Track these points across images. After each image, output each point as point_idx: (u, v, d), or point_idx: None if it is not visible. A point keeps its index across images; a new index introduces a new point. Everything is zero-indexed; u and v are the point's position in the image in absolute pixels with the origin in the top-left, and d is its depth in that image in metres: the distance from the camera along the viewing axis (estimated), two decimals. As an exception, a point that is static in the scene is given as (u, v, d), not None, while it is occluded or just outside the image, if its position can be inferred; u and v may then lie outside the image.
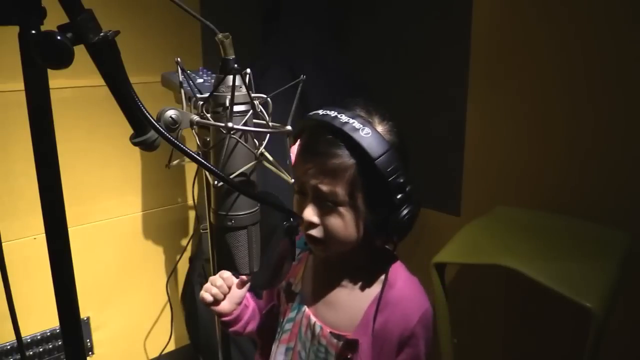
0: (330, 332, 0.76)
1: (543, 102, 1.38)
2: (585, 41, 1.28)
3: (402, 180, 0.67)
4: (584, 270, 1.06)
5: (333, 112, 0.71)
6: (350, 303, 0.76)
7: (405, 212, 0.69)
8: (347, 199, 0.70)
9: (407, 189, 0.68)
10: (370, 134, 0.67)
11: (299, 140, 0.75)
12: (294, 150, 0.75)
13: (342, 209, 0.71)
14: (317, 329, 0.77)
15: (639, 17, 1.19)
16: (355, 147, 0.67)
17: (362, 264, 0.78)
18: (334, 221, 0.71)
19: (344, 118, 0.69)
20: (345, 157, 0.69)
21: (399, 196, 0.68)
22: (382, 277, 0.75)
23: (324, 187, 0.70)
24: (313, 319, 0.79)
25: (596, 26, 1.26)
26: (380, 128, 0.70)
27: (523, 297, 1.46)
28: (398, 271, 0.76)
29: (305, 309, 0.80)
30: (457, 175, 1.59)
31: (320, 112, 0.72)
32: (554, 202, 1.37)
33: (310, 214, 0.72)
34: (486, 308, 1.56)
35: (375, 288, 0.75)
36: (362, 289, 0.77)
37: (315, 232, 0.73)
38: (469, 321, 1.44)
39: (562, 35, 1.33)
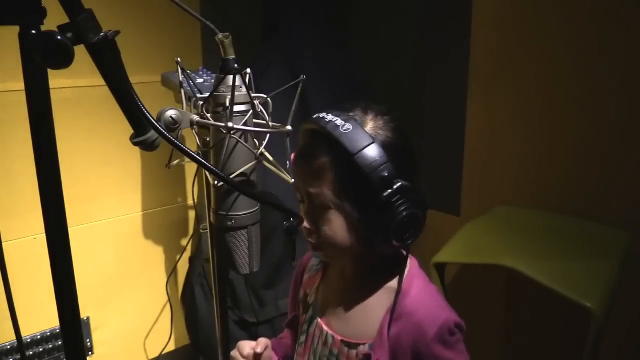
0: (342, 340, 0.74)
1: (543, 103, 1.39)
2: (585, 41, 1.28)
3: (386, 174, 0.63)
4: (584, 270, 1.06)
5: (324, 114, 0.69)
6: (363, 312, 0.74)
7: (398, 210, 0.63)
8: (336, 200, 0.67)
9: (398, 185, 0.63)
10: (350, 129, 0.64)
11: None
12: (292, 156, 0.74)
13: (332, 212, 0.68)
14: (330, 339, 0.75)
15: None
16: (334, 144, 0.65)
17: (374, 271, 0.74)
18: (326, 226, 0.69)
19: (329, 117, 0.67)
20: (326, 156, 0.66)
21: (385, 193, 0.63)
22: (396, 285, 0.71)
23: (313, 190, 0.68)
24: (325, 329, 0.77)
25: (596, 26, 1.26)
26: (371, 124, 0.67)
27: (523, 296, 1.47)
28: (413, 279, 0.72)
29: (318, 320, 0.78)
30: (457, 176, 1.59)
31: (314, 116, 0.70)
32: (553, 202, 1.37)
33: (306, 220, 0.70)
34: (486, 307, 1.57)
35: (389, 296, 0.72)
36: (374, 298, 0.73)
37: (313, 240, 0.71)
38: (469, 321, 1.44)
39: (562, 35, 1.33)
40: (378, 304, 0.72)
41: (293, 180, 0.72)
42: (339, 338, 0.74)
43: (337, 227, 0.68)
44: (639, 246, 1.19)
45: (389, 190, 0.64)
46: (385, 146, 0.65)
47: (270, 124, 0.70)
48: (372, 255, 0.72)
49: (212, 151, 0.70)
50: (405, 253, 0.73)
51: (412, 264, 0.74)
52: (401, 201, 0.64)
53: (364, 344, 0.72)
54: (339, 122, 0.66)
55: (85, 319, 1.62)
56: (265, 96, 0.71)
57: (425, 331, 0.68)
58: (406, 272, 0.73)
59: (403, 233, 0.66)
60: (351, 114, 0.68)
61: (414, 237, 0.68)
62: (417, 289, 0.71)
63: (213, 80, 1.18)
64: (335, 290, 0.78)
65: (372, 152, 0.63)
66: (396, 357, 0.70)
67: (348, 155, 0.64)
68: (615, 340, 1.23)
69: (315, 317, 0.79)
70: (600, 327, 0.97)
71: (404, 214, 0.64)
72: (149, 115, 0.51)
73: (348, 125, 0.65)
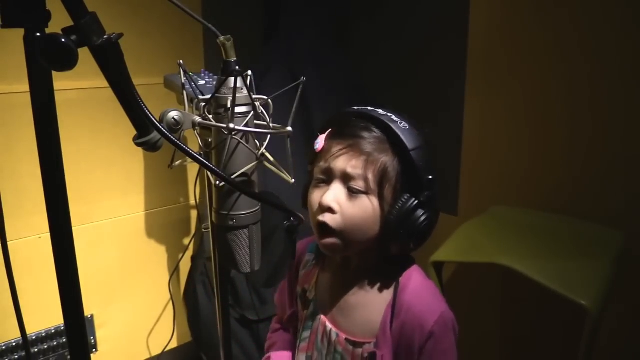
0: (346, 339, 0.74)
1: (540, 103, 1.39)
2: (583, 41, 1.29)
3: (431, 178, 0.67)
4: (579, 268, 1.07)
5: (372, 108, 0.71)
6: (365, 309, 0.74)
7: (427, 214, 0.67)
8: (376, 187, 0.68)
9: (435, 189, 0.67)
10: (408, 127, 0.68)
11: (329, 129, 0.73)
12: (322, 137, 0.73)
13: (368, 197, 0.68)
14: (333, 336, 0.76)
15: (637, 17, 1.19)
16: (392, 136, 0.67)
17: (377, 269, 0.75)
18: (357, 210, 0.68)
19: (381, 111, 0.70)
20: (381, 144, 0.68)
21: (426, 193, 0.66)
22: (395, 282, 0.73)
23: (355, 171, 0.67)
24: (329, 325, 0.77)
25: (594, 26, 1.26)
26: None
27: (519, 295, 1.47)
28: (412, 275, 0.73)
29: (321, 316, 0.79)
30: (454, 176, 1.60)
31: (357, 107, 0.72)
32: (549, 202, 1.37)
33: (331, 198, 0.68)
34: (483, 306, 1.57)
35: (389, 293, 0.73)
36: (376, 294, 0.74)
37: (331, 220, 0.69)
38: (466, 319, 1.45)
39: (559, 35, 1.33)
40: (379, 300, 0.73)
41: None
42: (344, 336, 0.75)
43: (368, 212, 0.68)
44: (632, 245, 1.19)
45: (429, 192, 0.67)
46: (429, 150, 0.69)
47: (271, 125, 0.70)
48: (379, 252, 0.73)
49: (213, 152, 0.71)
50: (408, 255, 0.75)
51: (410, 261, 0.76)
52: (433, 206, 0.68)
53: (369, 343, 0.72)
54: (395, 117, 0.69)
55: (89, 316, 1.63)
56: (266, 98, 0.72)
57: (424, 323, 0.69)
58: (406, 270, 0.74)
59: (423, 235, 0.69)
60: (397, 115, 0.71)
61: (425, 242, 0.71)
62: (415, 284, 0.72)
63: (214, 82, 1.19)
64: (336, 285, 0.79)
65: (425, 152, 0.68)
66: (400, 351, 0.71)
67: (403, 150, 0.66)
68: (610, 338, 1.23)
69: (317, 312, 0.79)
70: (594, 324, 0.97)
71: (431, 219, 0.68)
72: (151, 117, 0.52)
73: (405, 123, 0.68)
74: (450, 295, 1.24)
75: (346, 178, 0.69)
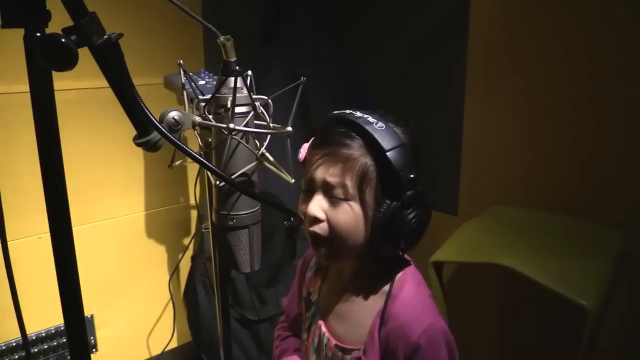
0: (336, 345, 0.74)
1: (540, 103, 1.39)
2: (585, 41, 1.29)
3: (412, 176, 0.65)
4: (579, 268, 1.07)
5: (348, 110, 0.70)
6: (357, 315, 0.74)
7: (414, 213, 0.66)
8: (357, 192, 0.67)
9: (418, 187, 0.66)
10: (383, 127, 0.66)
11: (312, 138, 0.73)
12: (305, 147, 0.73)
13: (350, 204, 0.67)
14: (325, 341, 0.76)
15: (639, 16, 1.19)
16: (367, 139, 0.66)
17: (372, 273, 0.74)
18: (341, 216, 0.67)
19: (358, 114, 0.69)
20: (356, 148, 0.67)
21: (409, 192, 0.65)
22: (388, 287, 0.71)
23: (333, 179, 0.67)
24: (324, 330, 0.77)
25: (596, 26, 1.26)
26: (395, 129, 0.69)
27: (519, 295, 1.47)
28: (405, 283, 0.71)
29: (319, 319, 0.79)
30: (454, 175, 1.60)
31: (335, 112, 0.72)
32: (549, 202, 1.37)
33: (315, 208, 0.68)
34: (483, 306, 1.57)
35: (381, 300, 0.71)
36: (369, 301, 0.73)
37: (319, 229, 0.69)
38: (467, 319, 1.45)
39: (560, 34, 1.33)
40: (371, 307, 0.72)
41: (293, 180, 0.72)
42: (334, 342, 0.75)
43: (352, 218, 0.68)
44: (631, 245, 1.19)
45: (412, 192, 0.66)
46: (409, 149, 0.67)
47: (271, 125, 0.70)
48: (372, 257, 0.72)
49: (213, 152, 0.71)
50: (402, 255, 0.74)
51: (407, 267, 0.74)
52: (419, 204, 0.67)
53: (357, 349, 0.72)
54: (370, 119, 0.67)
55: (89, 316, 1.63)
56: (266, 98, 0.72)
57: (409, 334, 0.67)
58: (399, 275, 0.72)
59: (413, 235, 0.68)
60: (374, 113, 0.70)
61: (418, 242, 0.69)
62: (406, 292, 0.71)
63: (214, 82, 1.18)
64: (334, 291, 0.78)
65: (403, 152, 0.66)
66: None
67: (380, 151, 0.65)
68: (610, 338, 1.23)
69: (317, 316, 0.80)
70: (595, 324, 0.97)
71: (420, 217, 0.67)
72: (151, 117, 0.51)
73: (381, 124, 0.67)
74: (451, 295, 1.24)
75: (327, 187, 0.68)
